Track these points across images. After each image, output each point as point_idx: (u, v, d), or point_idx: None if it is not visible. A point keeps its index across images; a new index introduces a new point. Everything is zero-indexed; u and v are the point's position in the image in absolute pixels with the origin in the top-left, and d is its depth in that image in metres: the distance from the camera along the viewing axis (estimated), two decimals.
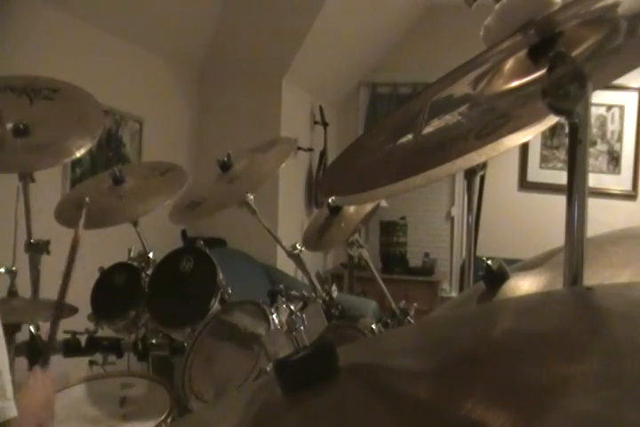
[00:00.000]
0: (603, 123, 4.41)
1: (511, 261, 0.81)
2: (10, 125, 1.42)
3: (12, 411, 0.83)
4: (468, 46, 0.92)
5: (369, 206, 1.75)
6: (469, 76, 0.61)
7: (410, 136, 0.70)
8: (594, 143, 4.37)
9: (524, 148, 4.41)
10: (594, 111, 4.33)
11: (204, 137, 3.68)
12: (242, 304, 1.37)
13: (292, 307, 1.28)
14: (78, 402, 1.34)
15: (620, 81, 0.76)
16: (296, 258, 1.58)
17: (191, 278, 1.51)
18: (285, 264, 3.41)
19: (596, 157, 4.38)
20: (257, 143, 1.78)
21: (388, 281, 1.91)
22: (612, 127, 4.41)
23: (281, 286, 1.49)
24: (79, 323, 1.53)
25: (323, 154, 4.23)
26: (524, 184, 4.57)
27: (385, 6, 3.83)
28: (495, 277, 0.76)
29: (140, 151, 3.07)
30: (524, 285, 0.74)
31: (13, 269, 1.46)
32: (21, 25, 2.25)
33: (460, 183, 4.39)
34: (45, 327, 1.48)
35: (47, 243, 1.52)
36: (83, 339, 1.53)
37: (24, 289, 1.49)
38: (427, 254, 4.41)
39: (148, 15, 2.85)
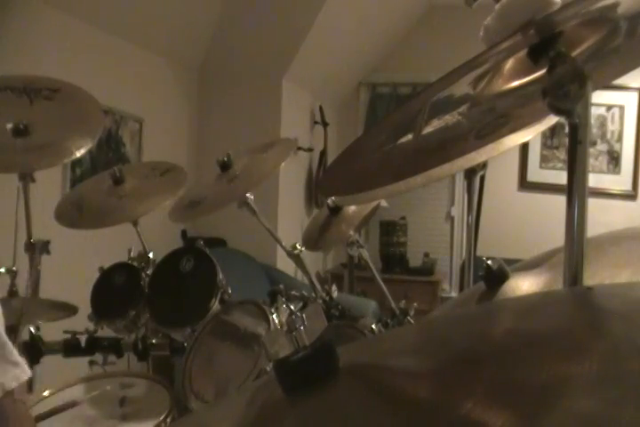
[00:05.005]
0: (603, 123, 4.40)
1: (511, 261, 0.80)
2: (10, 125, 1.42)
3: (24, 374, 0.83)
4: (468, 46, 0.92)
5: (369, 206, 1.75)
6: (469, 76, 0.61)
7: (410, 136, 0.70)
8: (594, 143, 4.36)
9: (524, 148, 4.41)
10: (594, 111, 4.33)
11: (204, 137, 3.68)
12: (242, 304, 1.37)
13: (292, 307, 1.28)
14: None
15: (620, 81, 0.76)
16: (296, 258, 1.58)
17: (191, 278, 1.50)
18: (285, 264, 3.41)
19: (595, 157, 4.38)
20: (256, 144, 1.77)
21: (388, 281, 1.91)
22: (612, 127, 4.41)
23: (281, 286, 1.49)
24: (79, 323, 1.53)
25: (323, 154, 4.23)
26: (524, 184, 4.57)
27: (385, 6, 3.83)
28: (495, 277, 0.76)
29: (140, 151, 3.07)
30: (524, 285, 0.74)
31: (13, 269, 1.46)
32: (21, 25, 2.25)
33: (460, 183, 4.39)
34: (46, 327, 1.48)
35: (47, 243, 1.52)
36: (83, 339, 1.53)
37: (24, 289, 1.48)
38: (427, 254, 4.41)
39: (148, 15, 2.85)
